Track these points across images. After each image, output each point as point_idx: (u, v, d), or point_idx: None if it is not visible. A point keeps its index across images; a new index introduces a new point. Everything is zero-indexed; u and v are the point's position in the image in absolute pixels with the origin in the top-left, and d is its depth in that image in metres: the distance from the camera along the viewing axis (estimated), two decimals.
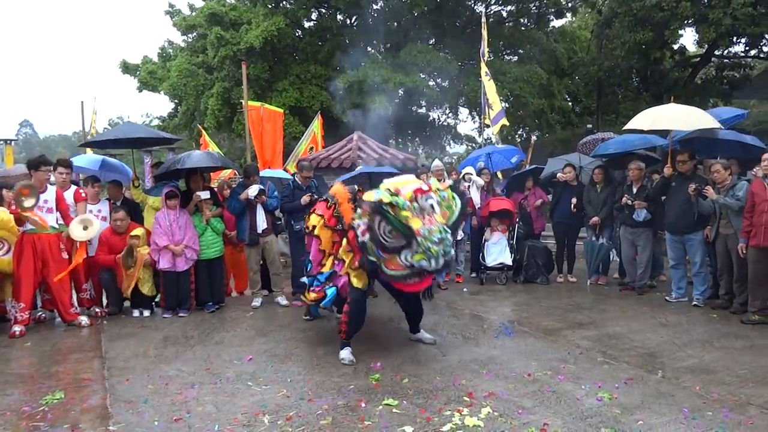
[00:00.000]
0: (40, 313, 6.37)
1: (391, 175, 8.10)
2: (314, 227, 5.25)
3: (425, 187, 4.50)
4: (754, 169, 6.26)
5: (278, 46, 17.91)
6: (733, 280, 6.18)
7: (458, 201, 4.72)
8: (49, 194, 5.95)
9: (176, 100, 21.57)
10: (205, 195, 6.69)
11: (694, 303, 6.53)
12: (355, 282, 4.81)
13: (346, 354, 4.70)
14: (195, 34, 20.26)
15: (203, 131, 15.26)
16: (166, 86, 19.47)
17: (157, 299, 6.68)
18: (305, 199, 6.74)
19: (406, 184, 4.55)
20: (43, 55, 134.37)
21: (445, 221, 4.49)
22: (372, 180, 8.06)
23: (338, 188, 5.25)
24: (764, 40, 17.33)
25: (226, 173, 11.76)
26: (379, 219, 4.35)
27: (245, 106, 11.25)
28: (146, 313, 6.52)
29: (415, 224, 4.27)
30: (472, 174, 8.57)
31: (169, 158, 8.82)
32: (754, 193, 5.71)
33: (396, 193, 4.39)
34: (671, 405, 3.71)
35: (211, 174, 8.75)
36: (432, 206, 4.45)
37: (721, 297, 6.43)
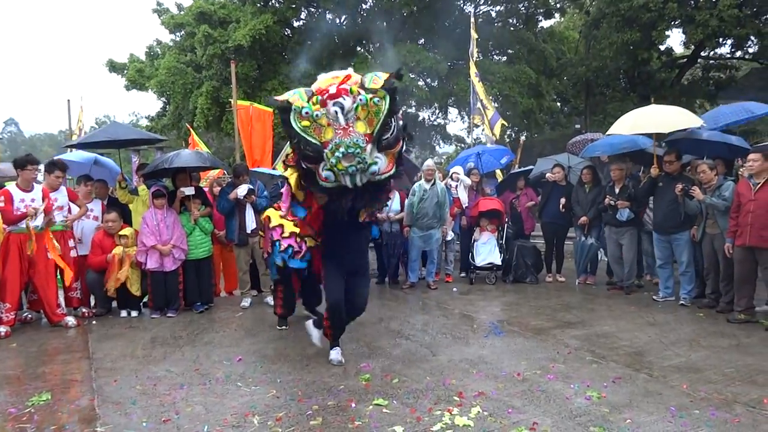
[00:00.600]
0: (26, 314, 6.30)
1: None
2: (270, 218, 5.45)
3: (333, 90, 3.88)
4: (741, 169, 6.32)
5: (267, 45, 17.84)
6: (720, 279, 6.24)
7: (386, 103, 3.90)
8: (36, 193, 5.88)
9: (164, 99, 21.42)
10: (189, 191, 6.63)
11: (681, 302, 6.59)
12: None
13: (335, 355, 4.67)
14: (183, 32, 20.13)
15: (192, 130, 15.18)
16: (154, 84, 19.33)
17: (145, 300, 6.63)
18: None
19: (331, 83, 4.00)
20: (28, 53, 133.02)
21: (371, 129, 3.85)
22: None
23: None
24: (750, 42, 17.55)
25: (215, 172, 11.70)
26: (294, 130, 3.90)
27: (234, 105, 11.20)
28: (134, 313, 6.47)
29: (327, 135, 3.82)
30: (459, 173, 8.59)
31: (157, 157, 8.76)
32: (739, 194, 5.77)
33: (314, 95, 3.90)
34: (659, 403, 3.75)
35: (200, 173, 8.71)
36: (336, 114, 3.82)
37: (708, 296, 6.49)
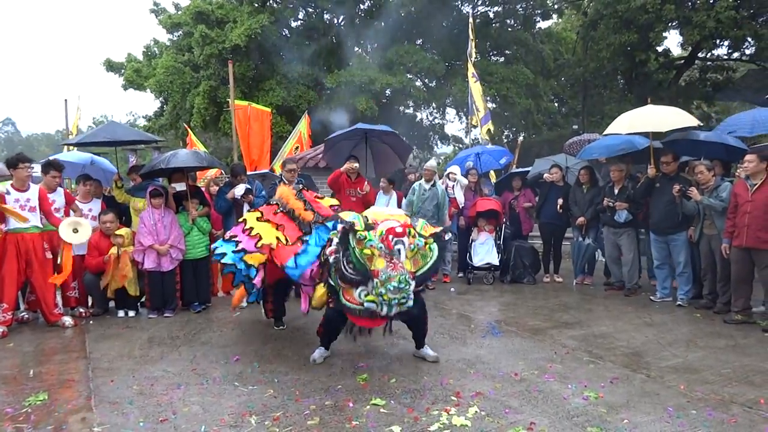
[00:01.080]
0: (22, 314, 6.28)
1: (386, 133, 8.09)
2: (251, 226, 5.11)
3: (400, 229, 4.15)
4: (738, 170, 6.34)
5: (264, 45, 17.85)
6: (717, 280, 6.25)
7: (435, 252, 4.34)
8: (32, 193, 5.86)
9: (162, 99, 21.42)
10: (180, 187, 6.61)
11: (678, 303, 6.60)
12: (318, 294, 4.56)
13: (316, 354, 4.69)
14: (181, 32, 20.13)
15: (189, 130, 15.17)
16: (152, 83, 19.33)
17: (142, 300, 6.62)
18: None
19: (388, 219, 4.30)
20: (25, 52, 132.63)
21: (414, 269, 4.18)
22: (368, 138, 7.97)
23: (283, 190, 5.30)
24: (747, 43, 17.59)
25: (213, 172, 11.70)
26: (344, 248, 4.17)
27: (232, 104, 11.20)
28: (131, 313, 6.45)
29: (378, 264, 4.05)
30: (456, 173, 8.60)
31: (155, 157, 8.74)
32: (736, 194, 5.79)
33: (371, 226, 4.18)
34: (656, 404, 3.75)
35: (197, 173, 8.70)
36: (399, 251, 4.10)
37: (705, 297, 6.51)
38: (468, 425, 3.42)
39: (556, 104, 24.72)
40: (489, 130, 12.79)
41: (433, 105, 22.30)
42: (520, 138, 16.13)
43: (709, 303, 6.40)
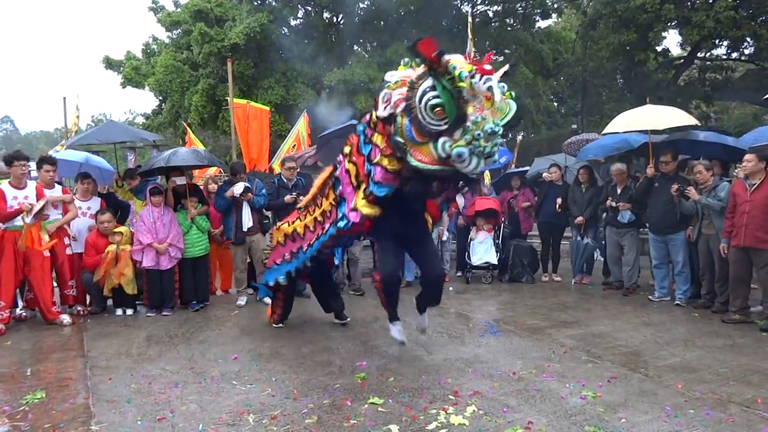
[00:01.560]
0: (20, 312, 6.28)
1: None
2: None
3: (488, 67, 3.54)
4: (737, 170, 6.34)
5: (263, 43, 17.83)
6: (715, 279, 6.26)
7: (512, 103, 3.73)
8: (29, 191, 5.86)
9: (161, 97, 21.39)
10: (181, 181, 6.62)
11: (677, 302, 6.61)
12: (363, 207, 4.15)
13: (395, 332, 4.73)
14: (180, 30, 20.09)
15: (188, 128, 15.14)
16: (151, 82, 19.29)
17: (140, 298, 6.61)
18: (289, 198, 6.73)
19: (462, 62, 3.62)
20: (24, 50, 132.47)
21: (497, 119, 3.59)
22: None
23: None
24: (746, 43, 17.59)
25: (213, 170, 11.68)
26: (424, 90, 3.51)
27: (231, 103, 11.17)
28: (129, 311, 6.44)
29: (468, 108, 3.48)
30: None
31: (154, 155, 8.73)
32: (735, 194, 5.79)
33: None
34: (654, 403, 3.75)
35: (195, 172, 8.67)
36: (490, 89, 3.48)
37: (703, 296, 6.51)
38: (466, 424, 3.42)
39: (555, 104, 24.72)
40: None
41: None
42: (519, 137, 16.12)
43: (707, 302, 6.40)
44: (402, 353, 4.88)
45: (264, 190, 7.01)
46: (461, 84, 3.44)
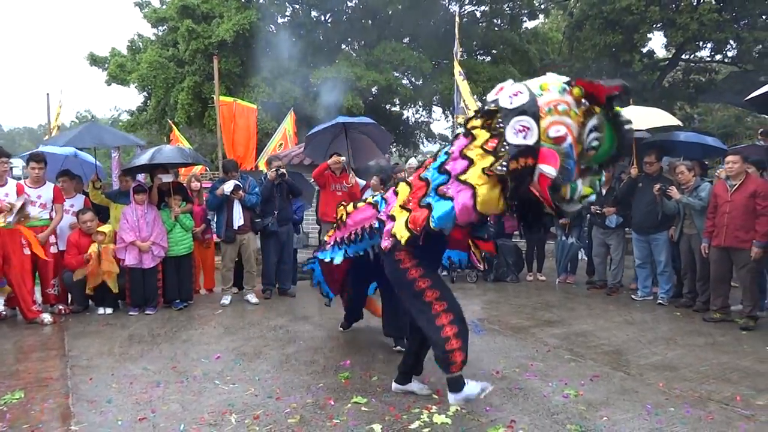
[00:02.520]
0: (0, 310, 6.18)
1: (365, 124, 8.02)
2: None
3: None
4: (718, 171, 6.42)
5: (251, 41, 17.73)
6: (696, 278, 6.33)
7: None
8: (9, 188, 5.77)
9: (146, 94, 21.19)
10: (167, 178, 6.55)
11: (659, 301, 6.68)
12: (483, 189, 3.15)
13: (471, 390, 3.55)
14: (166, 26, 19.91)
15: (174, 126, 15.02)
16: (135, 77, 19.09)
17: (123, 297, 6.54)
18: (271, 174, 6.81)
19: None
20: (7, 46, 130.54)
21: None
22: (347, 130, 7.93)
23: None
24: (729, 46, 17.79)
25: (197, 169, 11.60)
26: (593, 126, 3.16)
27: (217, 100, 11.10)
28: (110, 310, 6.37)
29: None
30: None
31: (138, 153, 8.64)
32: (716, 195, 5.86)
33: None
34: (635, 401, 3.79)
35: (181, 170, 8.60)
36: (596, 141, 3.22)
37: (685, 295, 6.59)
38: (449, 423, 3.43)
39: None
40: None
41: (420, 103, 22.29)
42: None
43: (688, 301, 6.48)
44: (386, 353, 4.88)
45: (257, 189, 6.97)
46: (626, 127, 3.22)
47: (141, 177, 7.68)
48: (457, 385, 3.51)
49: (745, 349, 4.96)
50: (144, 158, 6.51)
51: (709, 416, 3.54)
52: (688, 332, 5.53)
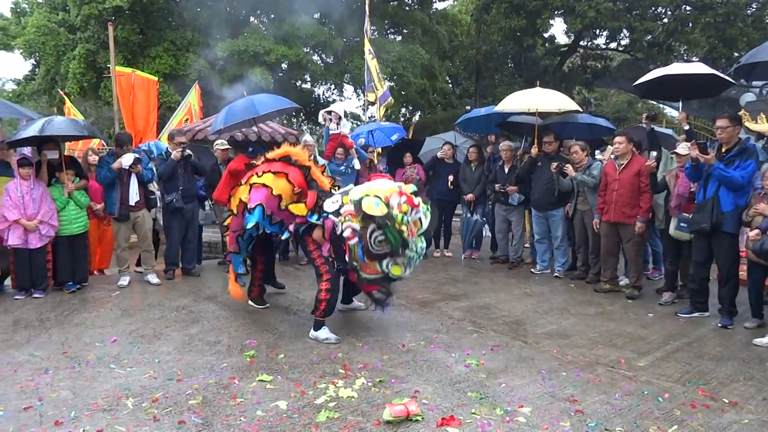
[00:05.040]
0: None
1: (283, 111, 7.85)
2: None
3: (416, 201, 4.44)
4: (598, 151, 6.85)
5: (150, 8, 16.71)
6: (589, 252, 6.74)
7: (429, 215, 4.64)
8: None
9: (33, 61, 19.51)
10: (53, 154, 6.07)
11: (556, 274, 7.06)
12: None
13: (332, 337, 4.58)
14: None
15: (66, 98, 13.96)
16: (20, 42, 17.49)
17: (7, 280, 6.05)
18: (176, 154, 6.54)
19: (392, 192, 4.35)
20: None
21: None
22: (257, 123, 7.70)
23: (296, 151, 4.92)
24: (622, 35, 18.89)
25: (95, 143, 10.87)
26: (373, 228, 4.20)
27: (113, 71, 10.41)
28: None
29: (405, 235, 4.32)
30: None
31: (24, 125, 7.92)
32: (606, 173, 6.24)
33: (388, 204, 4.27)
34: (531, 368, 4.00)
35: (70, 144, 7.98)
36: (420, 220, 4.47)
37: (579, 268, 7.00)
38: (354, 396, 3.45)
39: (450, 85, 25.33)
40: (387, 106, 12.83)
41: (331, 81, 22.06)
42: (416, 117, 16.38)
43: (582, 274, 6.90)
44: (293, 330, 4.84)
45: (150, 165, 6.61)
46: (403, 227, 4.27)
47: (28, 150, 7.07)
48: (317, 326, 4.61)
49: (630, 317, 5.37)
50: (33, 129, 5.90)
51: (597, 378, 3.81)
52: (580, 302, 5.90)
